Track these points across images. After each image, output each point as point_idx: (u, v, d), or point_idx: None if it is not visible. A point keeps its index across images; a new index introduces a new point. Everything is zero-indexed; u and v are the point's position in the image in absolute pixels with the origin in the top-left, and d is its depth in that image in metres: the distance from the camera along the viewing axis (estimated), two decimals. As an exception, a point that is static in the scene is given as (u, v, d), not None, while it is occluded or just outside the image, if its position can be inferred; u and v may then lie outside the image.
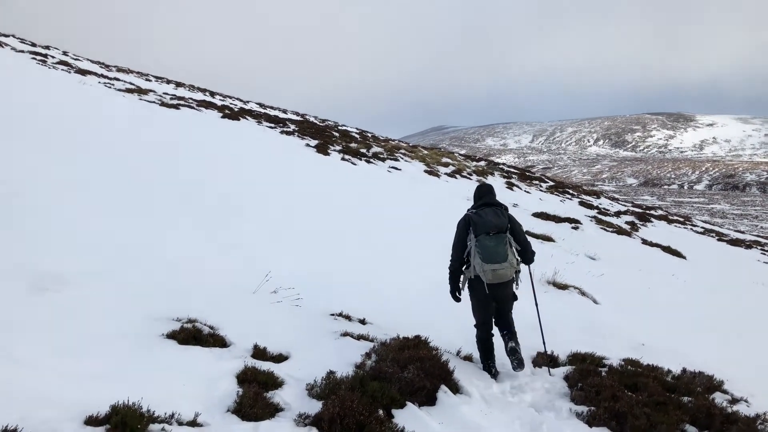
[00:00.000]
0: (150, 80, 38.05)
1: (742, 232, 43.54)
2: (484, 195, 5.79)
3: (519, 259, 5.68)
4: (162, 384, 3.98)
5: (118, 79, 29.51)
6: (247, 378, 4.31)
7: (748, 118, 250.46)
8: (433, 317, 7.15)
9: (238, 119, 25.26)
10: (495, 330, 5.88)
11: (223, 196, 10.52)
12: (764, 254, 27.17)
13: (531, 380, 5.60)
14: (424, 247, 10.06)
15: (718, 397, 5.62)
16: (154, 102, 22.77)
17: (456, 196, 19.83)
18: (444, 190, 21.26)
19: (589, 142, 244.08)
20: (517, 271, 5.64)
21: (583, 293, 9.88)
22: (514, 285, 5.74)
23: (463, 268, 5.67)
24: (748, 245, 29.30)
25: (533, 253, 5.86)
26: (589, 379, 5.33)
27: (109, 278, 5.67)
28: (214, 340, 4.93)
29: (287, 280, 6.92)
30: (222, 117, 24.57)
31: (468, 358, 5.83)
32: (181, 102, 25.57)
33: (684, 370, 6.15)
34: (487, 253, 5.33)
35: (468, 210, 5.73)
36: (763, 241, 36.56)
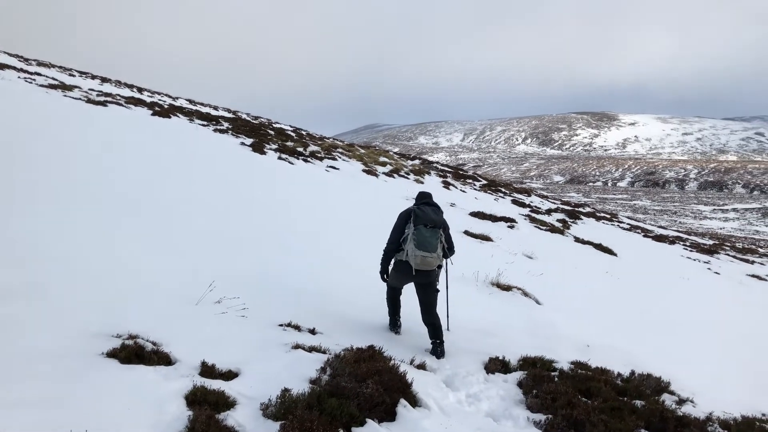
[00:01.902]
0: (74, 75, 36.28)
1: (665, 228, 45.66)
2: (425, 197, 6.69)
3: (444, 253, 6.54)
4: (105, 410, 3.67)
5: (39, 74, 27.97)
6: (197, 399, 4.04)
7: (667, 117, 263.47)
8: (382, 320, 7.06)
9: (170, 116, 24.39)
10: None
11: (158, 201, 10.04)
12: (686, 249, 28.50)
13: (486, 387, 5.55)
14: (370, 249, 9.89)
15: (667, 399, 5.75)
16: (80, 99, 21.65)
17: (396, 197, 19.81)
18: (384, 190, 21.21)
19: (517, 140, 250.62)
20: (440, 266, 6.46)
21: (525, 294, 9.99)
22: (437, 280, 6.51)
23: (397, 253, 6.48)
24: (672, 241, 30.68)
25: (455, 251, 6.79)
26: (543, 385, 5.33)
27: (39, 291, 5.25)
28: (159, 358, 4.62)
29: (231, 288, 6.63)
30: (152, 114, 23.66)
31: (422, 366, 5.72)
32: (109, 99, 24.45)
33: (632, 373, 6.27)
34: (422, 241, 6.16)
35: (411, 206, 6.56)
36: (684, 236, 38.41)
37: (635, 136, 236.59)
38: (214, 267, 7.31)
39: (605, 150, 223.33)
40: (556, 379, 5.74)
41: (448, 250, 6.60)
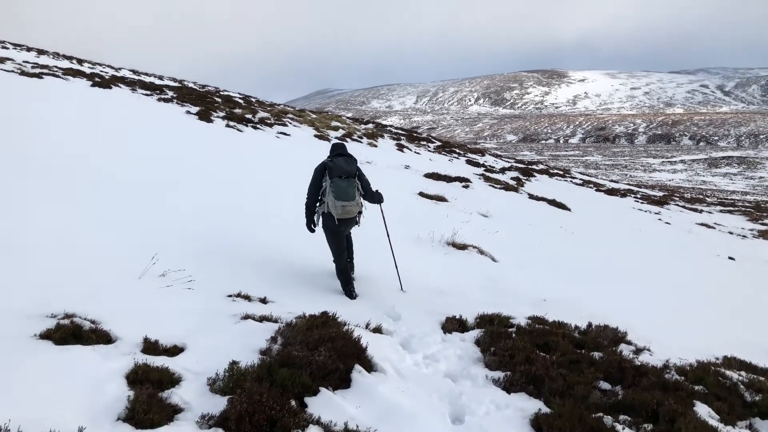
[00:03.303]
0: (7, 48, 34.37)
1: (616, 182, 46.59)
2: (338, 148, 6.96)
3: (363, 200, 6.93)
4: (37, 396, 3.41)
5: (-35, 47, 26.39)
6: (138, 378, 3.81)
7: (615, 73, 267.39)
8: (337, 284, 6.91)
9: (110, 87, 23.40)
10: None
11: (97, 170, 9.56)
12: (637, 201, 29.13)
13: (443, 347, 5.45)
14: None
15: (624, 349, 5.76)
16: (12, 71, 20.52)
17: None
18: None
19: (470, 101, 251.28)
20: (360, 212, 6.83)
21: (481, 252, 9.95)
22: (357, 223, 6.94)
23: (317, 206, 6.78)
24: (623, 194, 31.30)
25: (379, 194, 7.06)
26: (501, 342, 5.26)
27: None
28: (97, 337, 4.35)
29: (177, 261, 6.34)
30: (92, 86, 22.65)
31: (378, 330, 5.58)
32: (45, 71, 23.26)
33: (590, 325, 6.27)
34: (340, 192, 6.50)
35: (325, 159, 6.81)
36: (635, 189, 39.28)
37: (585, 93, 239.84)
38: (158, 241, 6.97)
39: (556, 107, 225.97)
40: (513, 335, 5.69)
41: (369, 196, 6.94)
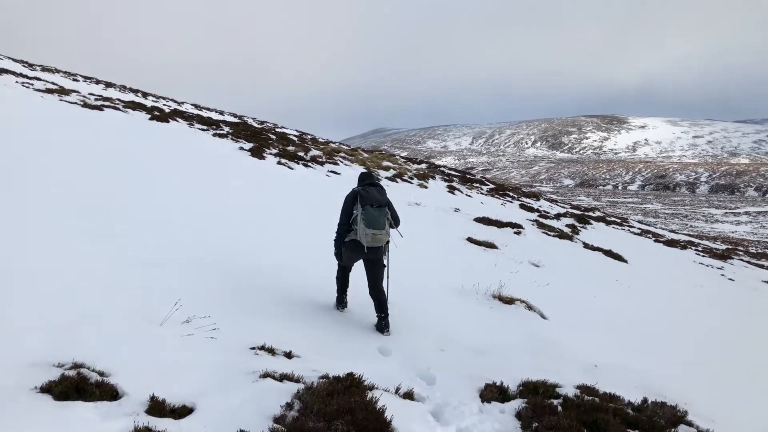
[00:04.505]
0: (78, 80, 35.95)
1: (676, 232, 44.77)
2: (367, 178, 7.02)
3: (391, 229, 6.89)
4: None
5: (39, 79, 27.58)
6: (135, 444, 3.47)
7: (677, 120, 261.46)
8: (376, 339, 6.47)
9: (168, 121, 23.91)
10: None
11: (133, 209, 9.49)
12: (698, 255, 27.73)
13: (479, 420, 4.92)
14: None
15: (683, 430, 5.10)
16: (75, 103, 21.23)
17: (396, 202, 19.19)
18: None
19: (527, 144, 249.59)
20: (387, 241, 6.80)
21: (530, 307, 9.35)
22: (386, 255, 6.94)
23: (347, 233, 6.79)
24: (683, 246, 29.89)
25: (399, 222, 7.06)
26: (544, 418, 4.70)
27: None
28: (102, 392, 4.04)
29: (203, 304, 6.06)
30: (150, 119, 23.18)
31: (409, 396, 5.09)
32: (107, 103, 24.02)
33: (645, 400, 5.62)
34: (372, 220, 6.51)
35: (355, 187, 6.85)
36: (696, 240, 37.58)
37: (645, 139, 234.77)
38: (189, 281, 6.74)
39: (615, 153, 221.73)
40: (559, 408, 5.11)
41: (394, 223, 6.93)
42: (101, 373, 4.27)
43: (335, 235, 6.90)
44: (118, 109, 23.35)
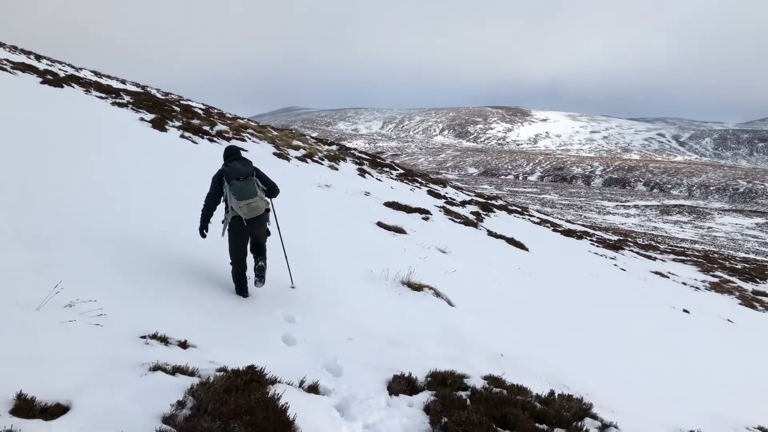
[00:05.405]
0: (-45, 37, 32.58)
1: (571, 222, 46.86)
2: (232, 153, 6.93)
3: (267, 197, 6.91)
4: None
5: None
6: (-6, 453, 2.97)
7: (577, 115, 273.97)
8: (287, 328, 6.10)
9: (62, 86, 22.13)
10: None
11: (19, 181, 8.58)
12: (593, 244, 29.06)
13: (387, 415, 4.70)
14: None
15: (589, 425, 5.11)
16: (-49, 60, 19.19)
17: (307, 183, 18.74)
18: (294, 175, 20.05)
19: (435, 131, 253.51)
20: (267, 209, 6.85)
21: (437, 294, 9.27)
22: (267, 223, 6.96)
23: (225, 214, 6.76)
24: (579, 236, 31.25)
25: (278, 190, 7.07)
26: (454, 413, 4.54)
27: None
28: (-42, 389, 3.48)
29: (89, 288, 5.46)
30: (42, 83, 21.35)
31: (313, 389, 4.79)
32: (-9, 63, 21.92)
33: (552, 393, 5.62)
34: (240, 192, 6.51)
35: (221, 166, 6.79)
36: (591, 231, 39.45)
37: (546, 132, 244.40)
38: (73, 260, 6.09)
39: (518, 144, 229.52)
40: (468, 402, 4.98)
41: (270, 192, 6.95)
42: (-41, 367, 3.69)
43: (200, 214, 6.89)
44: (4, 69, 21.35)
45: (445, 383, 5.46)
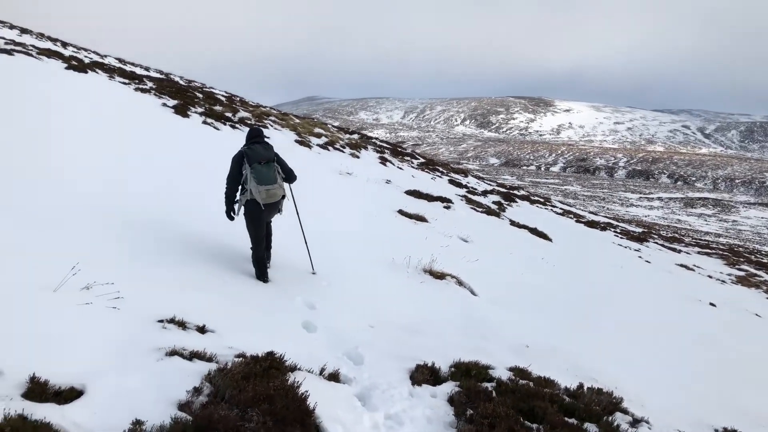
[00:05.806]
0: (-12, 25, 32.86)
1: (594, 213, 46.24)
2: (255, 135, 6.92)
3: (285, 182, 6.97)
4: None
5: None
6: (5, 438, 2.87)
7: (601, 106, 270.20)
8: (304, 312, 5.97)
9: (86, 71, 22.20)
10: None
11: (36, 164, 8.55)
12: (617, 236, 28.59)
13: (410, 405, 4.55)
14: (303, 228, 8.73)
15: (620, 420, 4.91)
16: (-20, 45, 19.31)
17: (328, 171, 18.60)
18: (316, 163, 19.92)
19: (456, 121, 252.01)
20: (283, 196, 6.86)
21: (460, 283, 9.09)
22: (279, 211, 6.98)
23: (239, 195, 6.74)
24: (603, 227, 30.77)
25: (295, 176, 7.09)
26: (479, 404, 4.38)
27: None
28: (-32, 370, 3.39)
29: (107, 270, 5.37)
30: (67, 68, 21.42)
31: (334, 377, 4.65)
32: (18, 48, 22.03)
33: (581, 386, 5.42)
34: (262, 177, 6.52)
35: (242, 147, 6.75)
36: (614, 222, 38.88)
37: (569, 123, 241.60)
38: (92, 242, 6.01)
39: (540, 135, 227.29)
40: (493, 393, 4.81)
41: (288, 179, 6.97)
42: (-27, 348, 3.60)
43: (224, 197, 6.80)
44: (30, 55, 21.47)
45: (469, 374, 5.29)
